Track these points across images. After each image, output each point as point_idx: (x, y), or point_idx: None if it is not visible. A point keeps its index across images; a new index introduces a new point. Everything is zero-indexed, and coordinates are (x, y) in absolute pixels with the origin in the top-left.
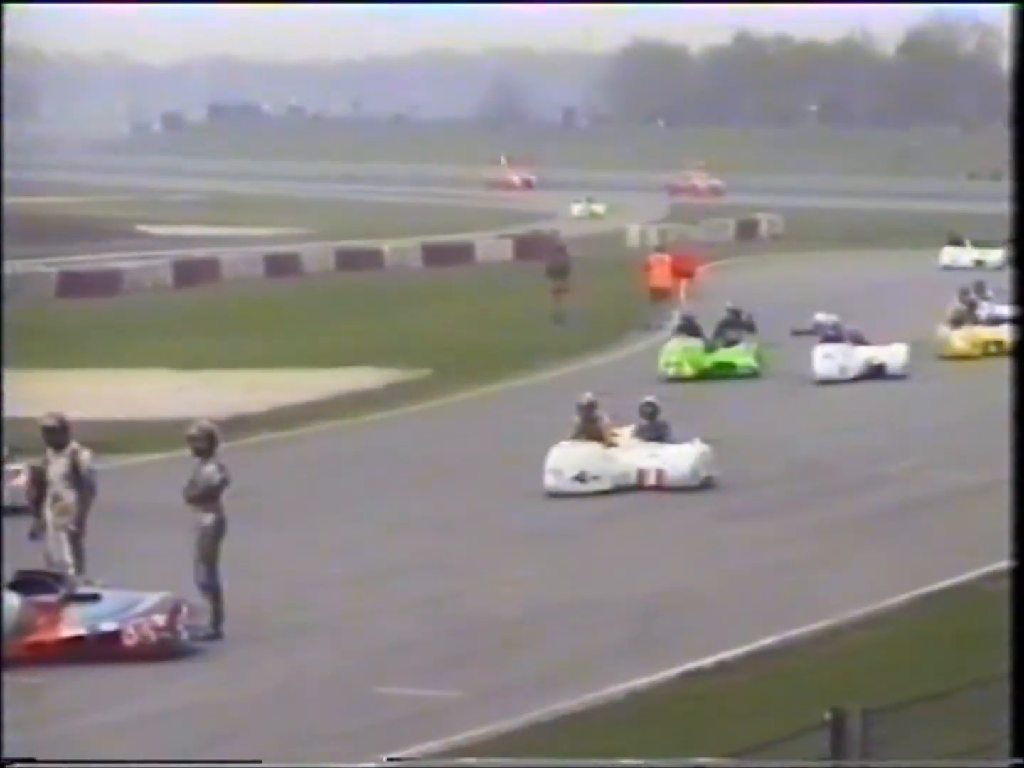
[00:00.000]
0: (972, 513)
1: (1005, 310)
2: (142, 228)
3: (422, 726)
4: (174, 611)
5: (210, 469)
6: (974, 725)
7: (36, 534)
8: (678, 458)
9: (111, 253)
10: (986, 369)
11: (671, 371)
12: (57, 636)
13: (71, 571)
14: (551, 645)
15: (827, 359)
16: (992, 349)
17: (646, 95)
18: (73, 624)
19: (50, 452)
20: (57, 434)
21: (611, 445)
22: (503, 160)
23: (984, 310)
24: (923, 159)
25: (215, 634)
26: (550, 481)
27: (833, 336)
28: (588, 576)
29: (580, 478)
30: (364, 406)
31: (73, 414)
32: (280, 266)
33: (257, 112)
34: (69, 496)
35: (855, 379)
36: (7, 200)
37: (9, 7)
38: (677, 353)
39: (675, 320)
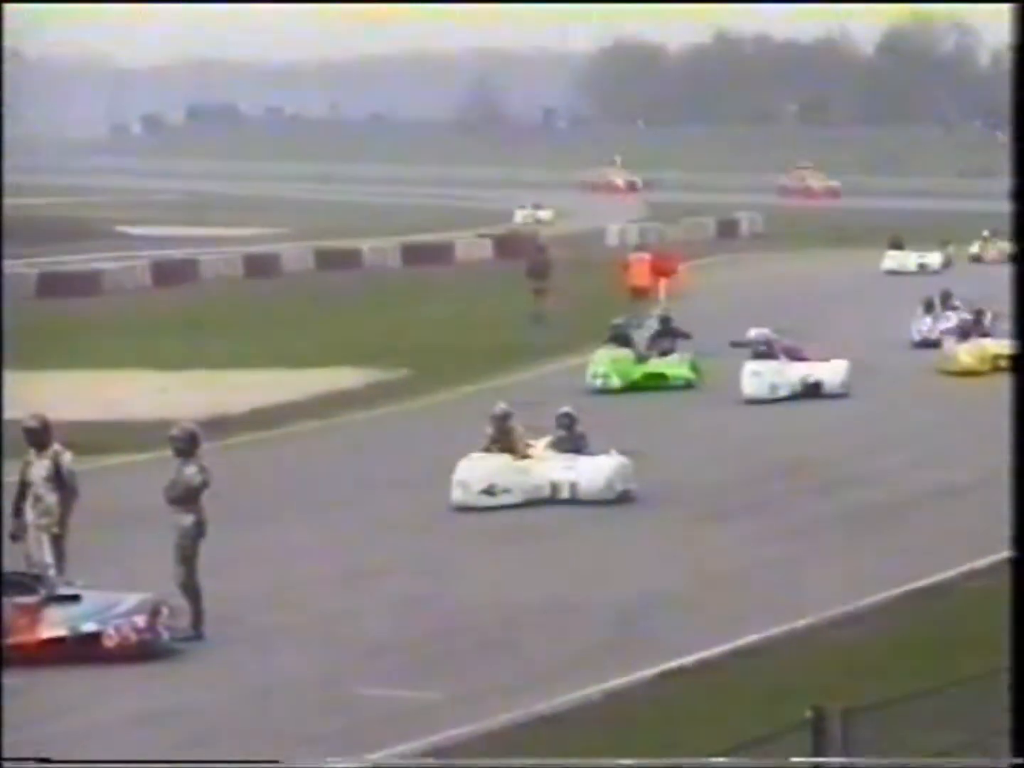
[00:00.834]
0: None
1: (969, 321)
2: (121, 229)
3: (402, 727)
4: (154, 612)
5: (191, 470)
6: (956, 724)
7: (17, 535)
8: (593, 471)
9: (91, 254)
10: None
11: (598, 383)
12: (38, 637)
13: (52, 572)
14: (529, 647)
15: (755, 377)
16: (1002, 364)
17: (625, 95)
18: (54, 625)
19: (32, 453)
20: (39, 435)
21: (524, 457)
22: (617, 161)
23: (949, 322)
24: (906, 157)
25: (195, 635)
26: (457, 495)
27: (764, 352)
28: (565, 577)
29: (489, 491)
30: (344, 406)
31: (54, 415)
32: (259, 266)
33: (235, 113)
34: (51, 497)
35: (789, 398)
36: None
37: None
38: (605, 364)
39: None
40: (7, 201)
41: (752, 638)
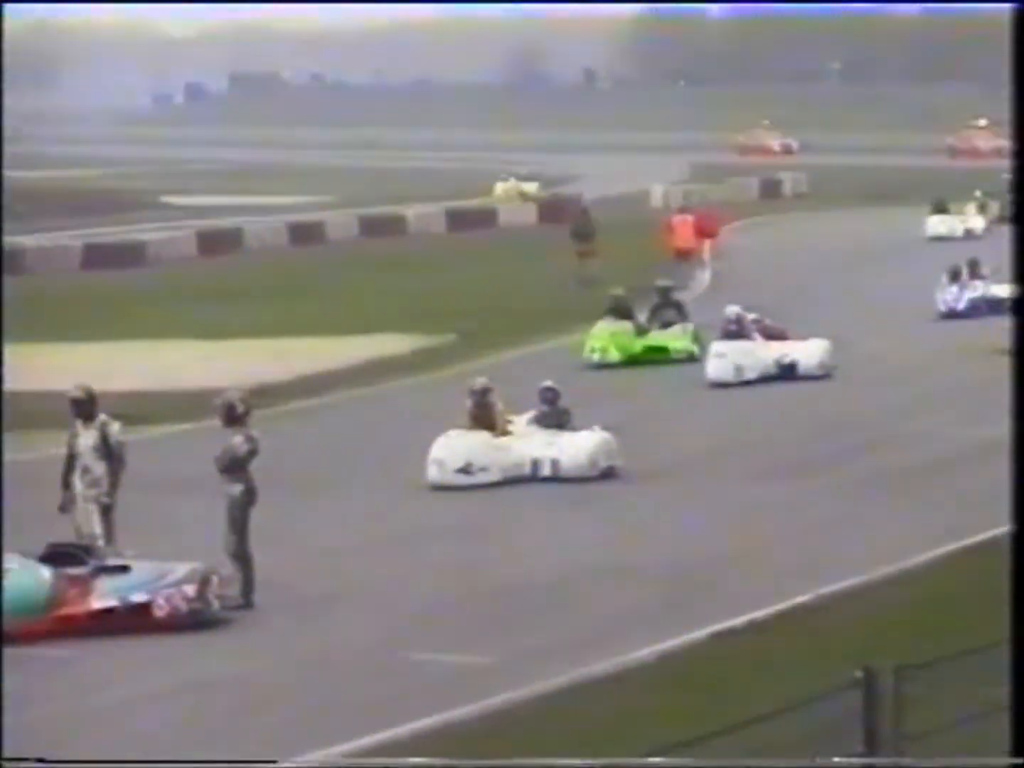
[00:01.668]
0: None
1: (1003, 291)
2: (165, 199)
3: (455, 691)
4: (204, 581)
5: (238, 439)
6: (1006, 680)
7: (66, 507)
8: (575, 447)
9: (135, 224)
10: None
11: (596, 356)
12: (87, 608)
13: (101, 543)
14: (583, 608)
15: (719, 359)
16: None
17: (667, 56)
18: (103, 596)
19: (79, 424)
20: (85, 406)
21: (504, 433)
22: (766, 124)
23: (978, 291)
24: (949, 115)
25: (246, 604)
26: (432, 473)
27: (734, 331)
28: (618, 539)
29: (465, 470)
30: (390, 372)
31: (100, 386)
32: (304, 234)
33: (278, 81)
34: (99, 468)
35: (758, 380)
36: (28, 174)
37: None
38: (603, 337)
39: (695, 280)
40: (51, 173)
41: (802, 598)
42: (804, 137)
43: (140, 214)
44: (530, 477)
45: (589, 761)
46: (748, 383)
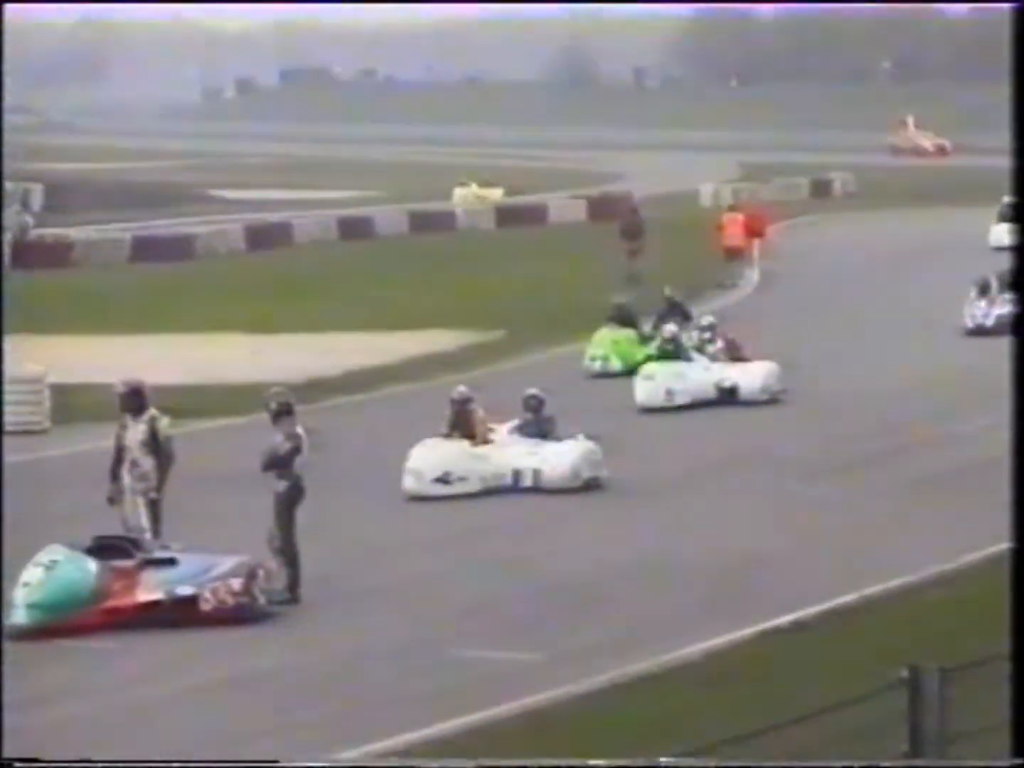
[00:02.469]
0: None
1: None
2: (215, 192)
3: (499, 688)
4: (251, 575)
5: (279, 438)
6: None
7: (113, 500)
8: (557, 457)
9: (184, 218)
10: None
11: (597, 365)
12: (134, 601)
13: (148, 536)
14: (627, 606)
15: (646, 381)
16: None
17: (717, 55)
18: (150, 589)
19: (127, 418)
20: (133, 400)
21: (485, 442)
22: (909, 121)
23: (1008, 306)
24: (999, 115)
25: (292, 598)
26: (408, 483)
27: (670, 351)
28: (662, 536)
29: (443, 479)
30: (439, 368)
31: (148, 379)
32: (353, 229)
33: (328, 76)
34: (147, 463)
35: (693, 405)
36: (81, 166)
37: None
38: (604, 345)
39: (744, 279)
40: (102, 166)
41: (848, 598)
42: (856, 136)
43: (189, 207)
44: (511, 487)
45: (593, 762)
46: (683, 408)
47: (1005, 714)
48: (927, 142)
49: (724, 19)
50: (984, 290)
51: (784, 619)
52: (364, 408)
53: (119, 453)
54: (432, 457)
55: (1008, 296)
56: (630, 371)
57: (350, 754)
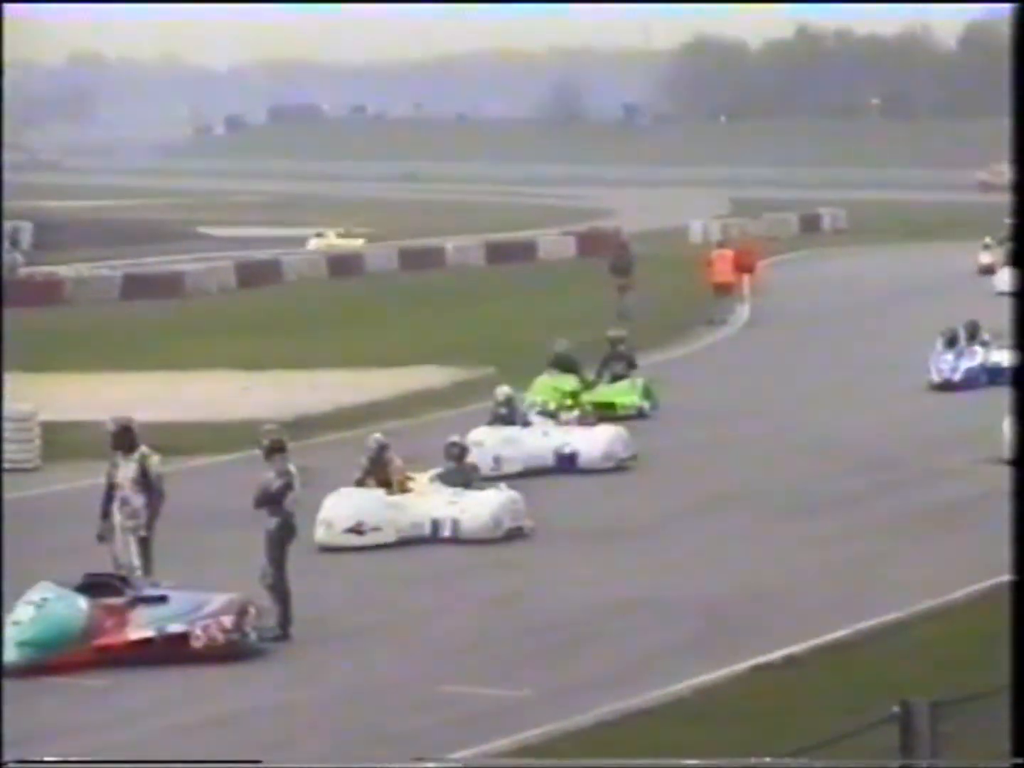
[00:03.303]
0: None
1: (1005, 357)
2: (204, 230)
3: (491, 724)
4: (241, 612)
5: (271, 475)
6: None
7: (104, 537)
8: (477, 506)
9: (174, 255)
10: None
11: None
12: (125, 639)
13: (138, 574)
14: (617, 643)
15: (476, 447)
16: None
17: (707, 91)
18: (141, 626)
19: (118, 456)
20: (124, 438)
21: (404, 491)
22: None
23: (976, 358)
24: (988, 151)
25: (283, 635)
26: (320, 534)
27: (504, 415)
28: (652, 574)
29: (356, 530)
30: (429, 405)
31: (138, 416)
32: (343, 266)
33: (318, 113)
34: (137, 500)
35: (525, 474)
36: (71, 203)
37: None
38: (544, 392)
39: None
40: (91, 204)
41: (840, 633)
42: (843, 172)
43: (179, 245)
44: (430, 538)
45: (592, 761)
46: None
47: (999, 748)
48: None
49: (714, 52)
50: (951, 342)
51: (776, 654)
52: (354, 445)
53: (110, 490)
54: (345, 507)
55: (977, 348)
56: None
57: None
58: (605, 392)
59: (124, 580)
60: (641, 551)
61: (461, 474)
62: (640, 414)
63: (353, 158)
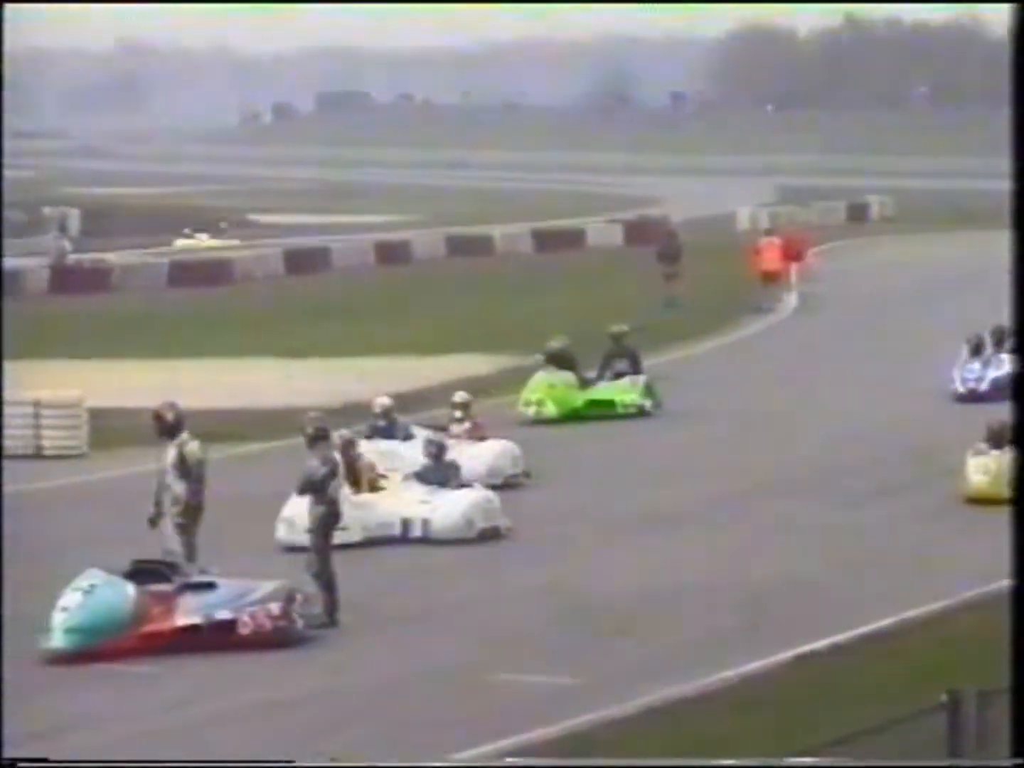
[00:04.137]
0: None
1: None
2: (253, 217)
3: (535, 712)
4: (289, 599)
5: (315, 462)
6: None
7: (154, 522)
8: (449, 506)
9: (222, 242)
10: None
11: (531, 412)
12: (172, 625)
13: (181, 560)
14: (665, 630)
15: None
16: None
17: (755, 79)
18: (188, 613)
19: (167, 442)
20: (165, 424)
21: (374, 489)
22: None
23: (1004, 367)
24: None
25: (330, 623)
26: (281, 533)
27: (383, 428)
28: (699, 562)
29: None
30: (475, 392)
31: (184, 403)
32: (391, 254)
33: (366, 101)
34: (179, 486)
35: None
36: (119, 191)
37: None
38: (540, 389)
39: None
40: (140, 191)
41: (886, 621)
42: (891, 160)
43: (227, 232)
44: (399, 538)
45: (594, 760)
46: None
47: None
48: None
49: (761, 40)
50: (977, 349)
51: (821, 643)
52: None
53: (160, 477)
54: (308, 505)
55: (1004, 356)
56: (566, 417)
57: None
58: (604, 390)
59: (172, 567)
60: (687, 539)
61: (439, 472)
62: (641, 413)
63: (401, 146)
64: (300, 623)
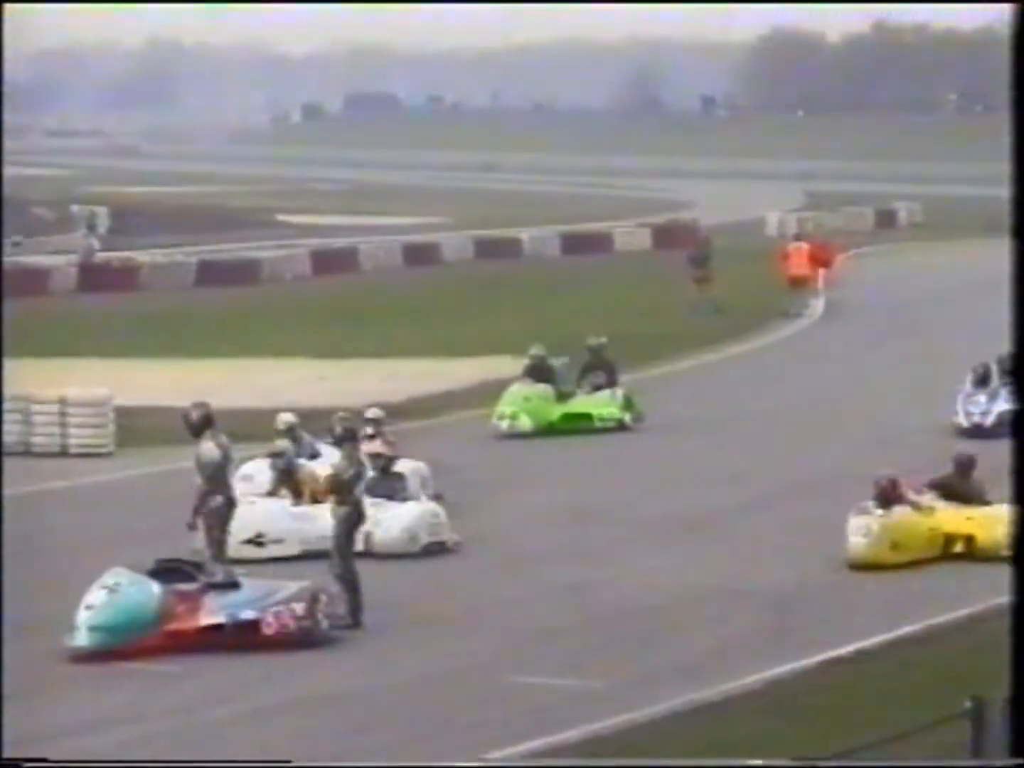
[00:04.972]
0: None
1: None
2: (281, 218)
3: (562, 715)
4: (313, 600)
5: (342, 463)
6: None
7: (192, 525)
8: (392, 519)
9: (250, 242)
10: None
11: (504, 425)
12: (196, 624)
13: (200, 558)
14: (690, 634)
15: (247, 483)
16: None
17: (784, 84)
18: (212, 612)
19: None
20: (191, 423)
21: (316, 501)
22: None
23: (1011, 399)
24: None
25: (354, 623)
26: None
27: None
28: (726, 565)
29: (255, 541)
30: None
31: (213, 403)
32: (419, 255)
33: (395, 102)
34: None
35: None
36: (148, 189)
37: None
38: (515, 402)
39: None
40: (168, 190)
41: (913, 627)
42: (920, 166)
43: (255, 232)
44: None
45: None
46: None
47: None
48: None
49: (791, 46)
50: (983, 380)
51: (847, 649)
52: (427, 434)
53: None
54: (245, 517)
55: (1011, 388)
56: (541, 431)
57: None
58: (582, 403)
59: (197, 566)
60: (714, 540)
61: (386, 485)
62: (620, 426)
63: (429, 147)
64: (324, 624)
